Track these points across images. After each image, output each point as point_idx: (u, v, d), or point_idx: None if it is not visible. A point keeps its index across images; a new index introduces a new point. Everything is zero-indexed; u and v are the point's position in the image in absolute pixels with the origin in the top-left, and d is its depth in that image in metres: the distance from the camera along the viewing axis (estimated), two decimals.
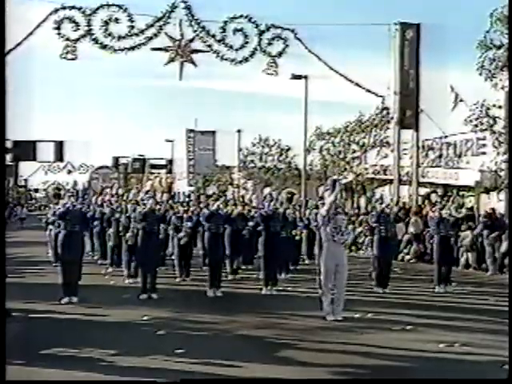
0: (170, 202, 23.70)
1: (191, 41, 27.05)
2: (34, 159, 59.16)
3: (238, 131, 52.05)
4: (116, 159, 78.60)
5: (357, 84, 29.25)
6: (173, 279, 18.48)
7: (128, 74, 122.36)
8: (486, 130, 25.62)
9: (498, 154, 24.96)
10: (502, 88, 23.78)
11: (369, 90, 29.62)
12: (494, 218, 23.48)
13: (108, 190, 28.02)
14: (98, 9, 26.05)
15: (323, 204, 14.24)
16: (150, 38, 26.54)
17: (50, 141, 57.34)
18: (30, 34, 25.75)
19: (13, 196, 65.32)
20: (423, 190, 33.25)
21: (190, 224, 18.66)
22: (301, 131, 36.66)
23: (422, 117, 30.61)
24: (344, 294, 12.80)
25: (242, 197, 40.79)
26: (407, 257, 26.07)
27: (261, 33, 27.40)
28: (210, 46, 27.13)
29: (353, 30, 35.75)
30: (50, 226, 21.23)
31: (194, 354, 9.77)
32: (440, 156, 34.59)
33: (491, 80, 23.98)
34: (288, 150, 45.74)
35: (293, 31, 27.82)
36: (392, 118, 30.82)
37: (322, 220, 12.90)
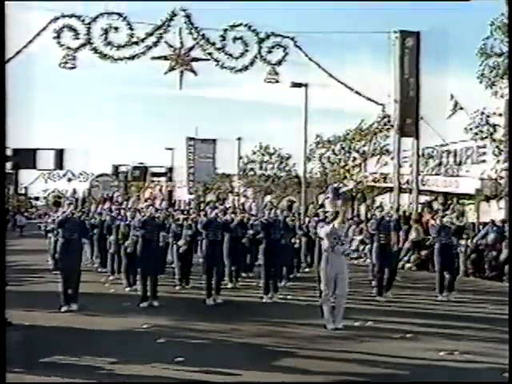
0: (170, 209, 23.74)
1: (191, 49, 27.08)
2: (34, 167, 59.18)
3: (238, 139, 52.10)
4: (116, 167, 78.62)
5: (357, 92, 29.26)
6: (172, 287, 18.47)
7: (128, 82, 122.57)
8: (486, 138, 25.65)
9: (498, 162, 24.99)
10: (502, 96, 23.82)
11: (369, 98, 29.64)
12: None
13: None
14: (97, 17, 26.09)
15: (324, 212, 14.23)
16: (150, 47, 26.57)
17: (50, 149, 57.35)
18: (30, 42, 25.78)
19: (13, 204, 65.30)
20: (423, 198, 33.27)
21: (189, 232, 18.66)
22: (301, 139, 36.66)
23: (422, 125, 30.63)
24: (344, 302, 12.78)
25: (242, 205, 40.79)
26: (408, 265, 26.04)
27: (261, 41, 27.43)
28: (209, 54, 27.16)
29: (353, 37, 35.86)
30: (50, 234, 21.24)
31: (193, 362, 9.77)
32: (440, 164, 34.62)
33: (491, 88, 24.03)
34: (288, 157, 45.77)
35: (293, 39, 27.85)
36: (392, 126, 30.81)
37: (324, 236, 12.84)
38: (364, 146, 36.12)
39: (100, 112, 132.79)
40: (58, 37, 25.93)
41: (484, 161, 29.62)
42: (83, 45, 26.09)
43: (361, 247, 28.60)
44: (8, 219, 48.01)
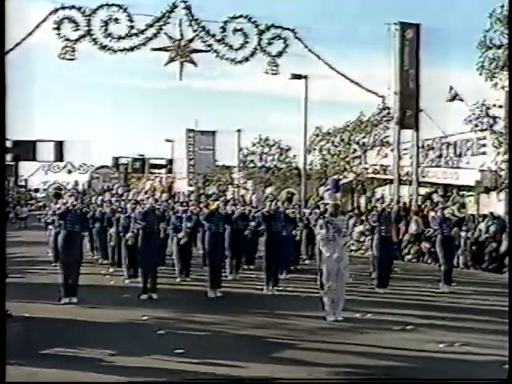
0: (170, 201, 23.72)
1: (191, 41, 27.00)
2: (34, 159, 59.05)
3: (238, 131, 52.06)
4: (116, 159, 78.31)
5: (357, 84, 29.23)
6: (173, 279, 18.46)
7: (128, 74, 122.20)
8: (486, 129, 25.62)
9: (498, 153, 24.96)
10: (502, 88, 23.77)
11: (369, 90, 29.60)
12: None
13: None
14: (97, 9, 26.01)
15: (324, 204, 14.23)
16: (150, 39, 26.49)
17: (50, 140, 57.24)
18: (30, 33, 25.70)
19: (13, 196, 65.25)
20: (423, 190, 33.26)
21: (189, 224, 18.64)
22: (301, 131, 36.64)
23: (422, 117, 30.58)
24: (344, 294, 12.79)
25: (242, 196, 40.78)
26: (407, 257, 26.06)
27: (261, 32, 27.36)
28: (209, 45, 27.08)
29: (353, 29, 35.77)
30: (50, 226, 21.23)
31: (194, 354, 9.77)
32: (440, 156, 34.59)
33: (491, 80, 23.97)
34: (288, 149, 45.76)
35: (293, 31, 27.78)
36: (392, 118, 30.79)
37: (322, 222, 12.86)
38: (364, 137, 36.15)
39: (100, 104, 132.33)
40: (58, 28, 25.85)
41: (484, 153, 29.59)
42: (83, 36, 26.02)
43: (361, 239, 28.59)
44: (8, 211, 47.98)
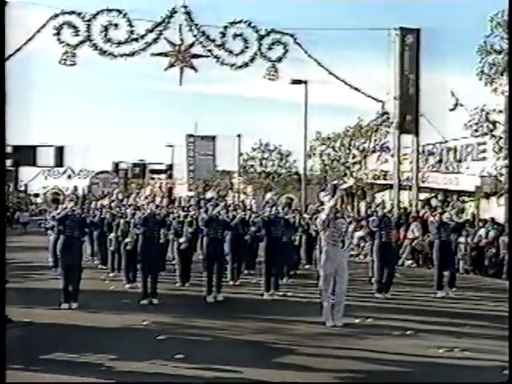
0: (170, 206, 23.70)
1: (191, 46, 27.00)
2: (34, 164, 59.09)
3: (238, 136, 52.10)
4: (116, 164, 78.55)
5: (356, 89, 29.20)
6: (173, 284, 18.45)
7: (128, 79, 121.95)
8: (486, 134, 25.64)
9: (498, 158, 24.98)
10: (502, 93, 23.81)
11: (369, 95, 29.58)
12: None
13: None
14: (97, 14, 26.02)
15: (324, 209, 14.22)
16: (150, 44, 26.50)
17: (49, 146, 57.28)
18: (30, 39, 25.72)
19: (13, 201, 65.25)
20: (423, 195, 33.24)
21: (190, 229, 18.63)
22: (301, 136, 36.66)
23: (422, 122, 30.55)
24: (344, 299, 12.78)
25: (243, 201, 40.76)
26: (407, 262, 26.04)
27: (261, 38, 27.35)
28: (210, 50, 27.08)
29: (353, 34, 35.70)
30: (50, 231, 21.21)
31: (193, 359, 9.77)
32: (440, 161, 34.59)
33: (491, 85, 24.01)
34: (288, 154, 45.79)
35: (292, 36, 27.77)
36: (392, 123, 30.77)
37: (321, 225, 12.88)
38: (364, 143, 36.16)
39: (100, 109, 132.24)
40: (58, 34, 25.86)
41: (484, 158, 29.61)
42: (83, 41, 26.03)
43: (361, 244, 28.58)
44: (8, 216, 47.94)
